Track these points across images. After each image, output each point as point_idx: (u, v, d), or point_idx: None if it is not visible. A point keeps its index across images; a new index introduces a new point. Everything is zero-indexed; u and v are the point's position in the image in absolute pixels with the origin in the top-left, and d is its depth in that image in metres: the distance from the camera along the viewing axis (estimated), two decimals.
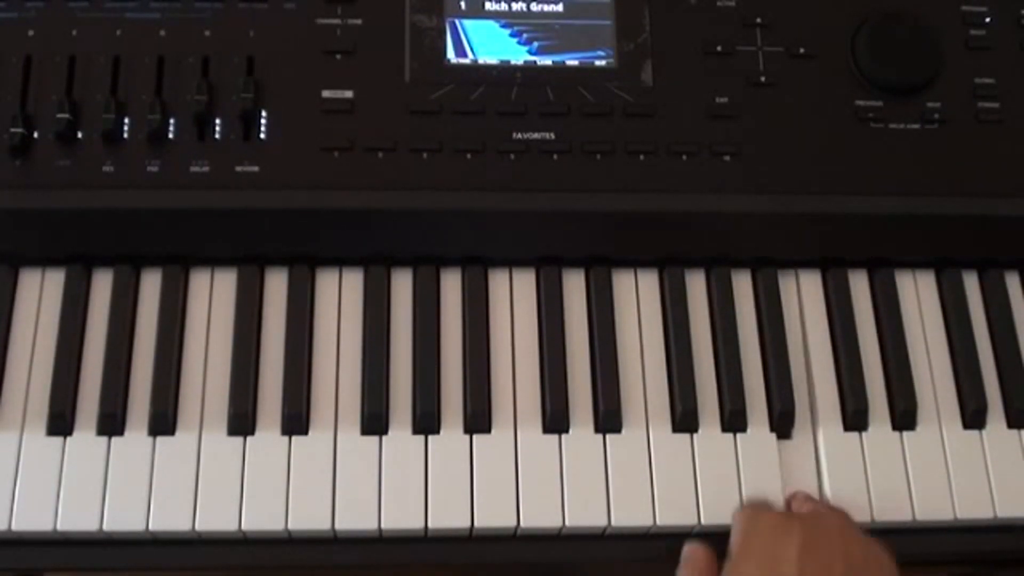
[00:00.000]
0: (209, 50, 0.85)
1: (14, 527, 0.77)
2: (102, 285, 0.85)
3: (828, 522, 0.76)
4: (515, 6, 0.88)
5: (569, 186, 0.84)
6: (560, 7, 0.88)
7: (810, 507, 0.80)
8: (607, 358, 0.84)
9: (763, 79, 0.87)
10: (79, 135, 0.83)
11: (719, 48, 0.88)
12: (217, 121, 0.84)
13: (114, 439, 0.80)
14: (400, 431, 0.82)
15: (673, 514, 0.80)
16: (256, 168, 0.83)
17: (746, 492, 0.81)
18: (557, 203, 0.84)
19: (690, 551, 0.79)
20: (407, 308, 0.86)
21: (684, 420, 0.83)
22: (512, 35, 0.88)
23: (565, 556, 0.82)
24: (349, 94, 0.85)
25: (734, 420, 0.83)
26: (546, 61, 0.87)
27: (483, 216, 0.84)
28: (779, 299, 0.88)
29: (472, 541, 0.81)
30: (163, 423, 0.81)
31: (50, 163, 0.82)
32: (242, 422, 0.81)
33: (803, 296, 0.89)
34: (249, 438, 0.81)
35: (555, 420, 0.82)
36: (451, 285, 0.87)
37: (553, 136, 0.85)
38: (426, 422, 0.82)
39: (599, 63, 0.87)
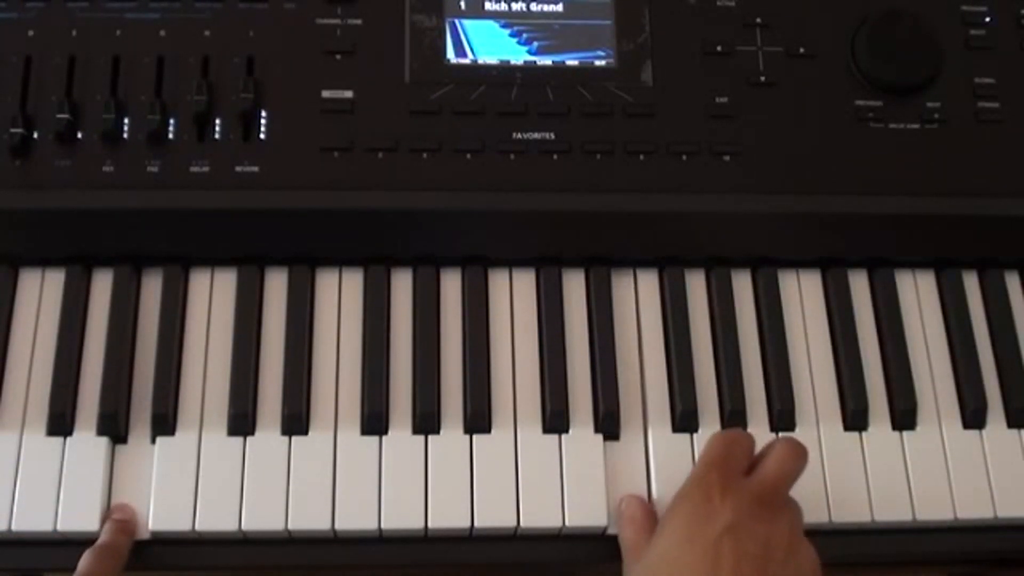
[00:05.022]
0: (209, 50, 0.85)
1: (14, 527, 0.77)
2: (102, 285, 0.85)
3: (761, 515, 0.72)
4: (515, 6, 0.88)
5: (569, 186, 0.84)
6: (560, 7, 0.88)
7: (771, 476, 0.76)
8: (607, 358, 0.84)
9: (763, 79, 0.87)
10: (79, 135, 0.83)
11: (719, 48, 0.88)
12: (217, 121, 0.84)
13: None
14: (400, 431, 0.82)
15: None
16: (256, 168, 0.83)
17: None
18: (557, 203, 0.84)
19: (628, 508, 0.79)
20: (407, 308, 0.86)
21: (684, 420, 0.83)
22: (512, 35, 0.88)
23: (565, 556, 0.81)
24: (349, 94, 0.85)
25: (734, 420, 0.83)
26: (546, 61, 0.87)
27: (483, 216, 0.84)
28: (779, 299, 0.88)
29: (472, 541, 0.81)
30: (163, 423, 0.81)
31: (50, 163, 0.82)
32: (242, 422, 0.81)
33: (803, 296, 0.89)
34: (249, 438, 0.81)
35: (555, 420, 0.82)
36: (451, 285, 0.87)
37: (553, 136, 0.85)
38: (426, 422, 0.82)
39: (599, 63, 0.87)
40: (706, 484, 0.73)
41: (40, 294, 0.85)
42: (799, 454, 0.77)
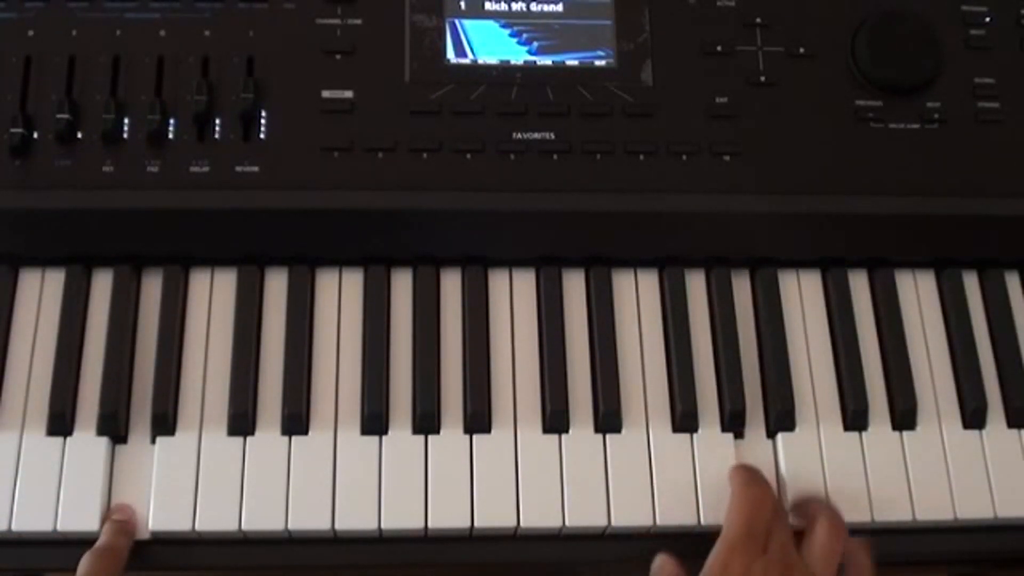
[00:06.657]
0: (209, 50, 0.85)
1: (14, 527, 0.77)
2: (102, 285, 0.85)
3: None
4: (515, 6, 0.88)
5: (569, 186, 0.84)
6: (560, 7, 0.88)
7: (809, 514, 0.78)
8: (607, 358, 0.84)
9: (763, 79, 0.87)
10: (79, 135, 0.83)
11: (719, 48, 0.88)
12: (217, 121, 0.84)
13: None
14: (400, 431, 0.82)
15: (673, 514, 0.80)
16: (256, 168, 0.83)
17: None
18: (557, 203, 0.84)
19: (663, 572, 0.79)
20: (407, 308, 0.86)
21: (684, 420, 0.83)
22: (512, 35, 0.88)
23: (565, 556, 0.82)
24: (349, 94, 0.85)
25: (734, 420, 0.83)
26: (546, 61, 0.87)
27: (483, 216, 0.84)
28: (779, 299, 0.88)
29: (472, 541, 0.81)
30: (163, 423, 0.81)
31: (50, 163, 0.82)
32: (242, 422, 0.81)
33: (803, 296, 0.89)
34: (249, 438, 0.81)
35: (555, 420, 0.82)
36: (451, 285, 0.87)
37: (553, 136, 0.85)
38: (426, 422, 0.82)
39: (599, 63, 0.87)
40: (729, 573, 0.73)
41: (40, 294, 0.85)
42: (839, 531, 0.77)
